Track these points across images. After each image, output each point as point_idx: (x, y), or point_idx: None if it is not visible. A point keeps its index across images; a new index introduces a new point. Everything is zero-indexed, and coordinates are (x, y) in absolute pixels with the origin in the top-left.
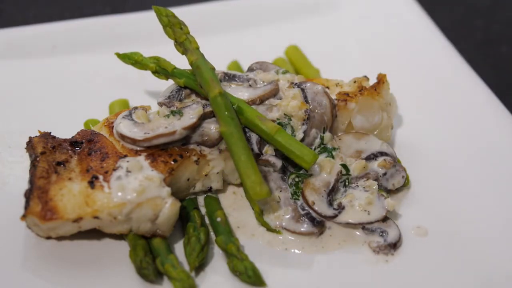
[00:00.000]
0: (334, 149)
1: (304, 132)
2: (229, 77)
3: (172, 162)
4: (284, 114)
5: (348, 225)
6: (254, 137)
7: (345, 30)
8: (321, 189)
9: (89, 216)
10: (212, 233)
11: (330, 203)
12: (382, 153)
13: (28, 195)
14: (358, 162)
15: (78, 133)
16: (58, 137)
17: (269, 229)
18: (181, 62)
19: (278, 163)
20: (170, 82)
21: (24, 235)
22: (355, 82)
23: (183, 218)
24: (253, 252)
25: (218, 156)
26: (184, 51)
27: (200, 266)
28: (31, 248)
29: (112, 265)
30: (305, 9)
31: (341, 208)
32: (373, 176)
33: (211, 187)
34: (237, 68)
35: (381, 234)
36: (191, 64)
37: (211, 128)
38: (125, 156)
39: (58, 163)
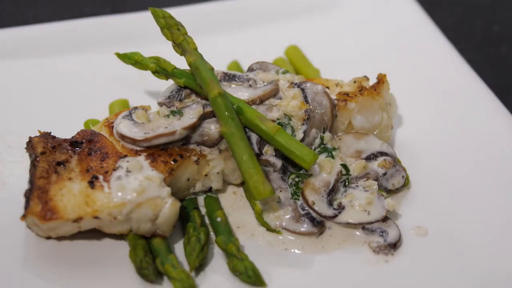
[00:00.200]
0: (334, 149)
1: (304, 132)
2: (229, 77)
3: (172, 162)
4: (284, 114)
5: (348, 225)
6: (254, 137)
7: (345, 30)
8: (321, 189)
9: (89, 216)
10: (212, 233)
11: (330, 203)
12: (382, 153)
13: (28, 195)
14: (358, 162)
15: (78, 133)
16: (58, 137)
17: (269, 229)
18: (181, 62)
19: (278, 163)
20: (170, 82)
21: (24, 235)
22: (355, 82)
23: (183, 218)
24: (253, 252)
25: (218, 156)
26: (182, 52)
27: (200, 266)
28: (31, 248)
29: (112, 265)
30: (305, 9)
31: (341, 208)
32: (373, 176)
33: (211, 187)
34: (237, 68)
35: (381, 234)
36: (189, 65)
37: (211, 128)
38: (125, 156)
39: (58, 163)
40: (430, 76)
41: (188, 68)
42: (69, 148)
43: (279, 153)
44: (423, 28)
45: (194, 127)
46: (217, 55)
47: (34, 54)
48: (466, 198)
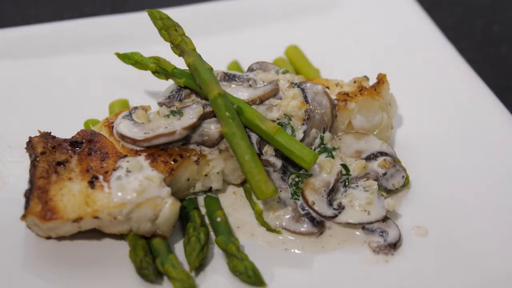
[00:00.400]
0: (334, 149)
1: (304, 132)
2: (229, 77)
3: (172, 162)
4: (284, 114)
5: (348, 225)
6: (254, 137)
7: (345, 30)
8: (321, 189)
9: (89, 216)
10: (212, 233)
11: (330, 203)
12: (382, 153)
13: (28, 195)
14: (358, 162)
15: (78, 133)
16: (58, 137)
17: (269, 229)
18: (181, 62)
19: (278, 163)
20: (170, 82)
21: (24, 235)
22: (355, 82)
23: (183, 218)
24: (253, 252)
25: (218, 156)
26: (181, 53)
27: (200, 266)
28: (31, 248)
29: (112, 265)
30: (305, 9)
31: (341, 208)
32: (373, 176)
33: (211, 187)
34: (237, 68)
35: (381, 234)
36: (188, 66)
37: (211, 128)
38: (125, 156)
39: (58, 163)
40: (430, 76)
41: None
42: (69, 148)
43: (279, 153)
44: (423, 28)
45: (194, 127)
46: (217, 55)
47: (34, 54)
48: (466, 198)
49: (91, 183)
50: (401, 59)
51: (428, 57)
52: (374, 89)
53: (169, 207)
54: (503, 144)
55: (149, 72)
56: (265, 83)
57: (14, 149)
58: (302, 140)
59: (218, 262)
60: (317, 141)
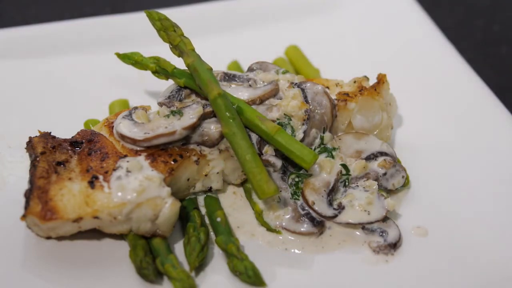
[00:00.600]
0: (334, 149)
1: (304, 132)
2: (229, 77)
3: (172, 162)
4: (284, 114)
5: (348, 225)
6: (254, 137)
7: (345, 30)
8: (321, 189)
9: (89, 216)
10: (212, 233)
11: (330, 203)
12: (382, 153)
13: (28, 195)
14: (358, 162)
15: (78, 133)
16: (58, 137)
17: (269, 229)
18: (181, 62)
19: (278, 163)
20: (170, 82)
21: (24, 235)
22: (355, 82)
23: (183, 218)
24: (253, 252)
25: (218, 156)
26: (180, 54)
27: (200, 266)
28: (31, 248)
29: (112, 265)
30: (305, 9)
31: (341, 208)
32: (373, 176)
33: (211, 187)
34: (237, 68)
35: (381, 234)
36: (187, 66)
37: (211, 128)
38: (125, 156)
39: (58, 163)
40: (430, 76)
41: None
42: (69, 148)
43: (279, 153)
44: (423, 28)
45: (194, 127)
46: (217, 55)
47: (34, 54)
48: (466, 198)
49: (91, 183)
50: (401, 59)
51: (428, 57)
52: (374, 89)
53: (169, 207)
54: (503, 144)
55: (149, 72)
56: (265, 83)
57: (14, 149)
58: (302, 140)
59: (218, 262)
60: (317, 141)
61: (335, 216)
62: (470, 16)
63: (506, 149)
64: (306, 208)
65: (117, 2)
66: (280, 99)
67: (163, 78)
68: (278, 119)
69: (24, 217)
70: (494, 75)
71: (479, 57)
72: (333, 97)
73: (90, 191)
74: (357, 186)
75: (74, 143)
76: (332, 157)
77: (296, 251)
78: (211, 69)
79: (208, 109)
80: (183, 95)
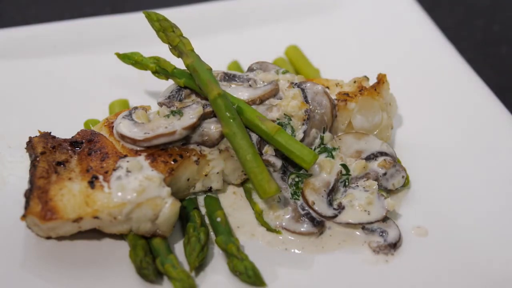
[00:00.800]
0: (334, 149)
1: (304, 132)
2: (229, 77)
3: (172, 162)
4: (284, 114)
5: (348, 225)
6: (254, 137)
7: (345, 30)
8: (321, 189)
9: (89, 216)
10: (212, 233)
11: (330, 203)
12: (382, 153)
13: (28, 195)
14: (358, 162)
15: (78, 133)
16: (58, 137)
17: (269, 229)
18: (181, 62)
19: (278, 163)
20: (170, 82)
21: (24, 235)
22: (355, 82)
23: (183, 218)
24: (253, 252)
25: (218, 156)
26: (179, 54)
27: (200, 266)
28: (31, 248)
29: (112, 265)
30: (305, 9)
31: (341, 208)
32: (373, 176)
33: (211, 187)
34: (237, 68)
35: (381, 234)
36: (187, 67)
37: (211, 128)
38: (125, 156)
39: (58, 163)
40: (430, 76)
41: None
42: (69, 148)
43: (279, 153)
44: (423, 28)
45: (194, 127)
46: (217, 55)
47: (34, 54)
48: (466, 198)
49: (91, 183)
50: (401, 59)
51: (428, 57)
52: (374, 89)
53: (169, 207)
54: (503, 144)
55: (149, 72)
56: (265, 83)
57: (14, 149)
58: (302, 140)
59: (218, 262)
60: (317, 141)
61: (335, 216)
62: (470, 16)
63: (506, 149)
64: (306, 208)
65: (117, 2)
66: (280, 99)
67: (163, 78)
68: (278, 119)
69: (24, 217)
70: (494, 75)
71: (479, 57)
72: (333, 97)
73: (90, 191)
74: (357, 186)
75: (74, 143)
76: (332, 157)
77: (296, 251)
78: (210, 69)
79: (208, 109)
80: (183, 95)
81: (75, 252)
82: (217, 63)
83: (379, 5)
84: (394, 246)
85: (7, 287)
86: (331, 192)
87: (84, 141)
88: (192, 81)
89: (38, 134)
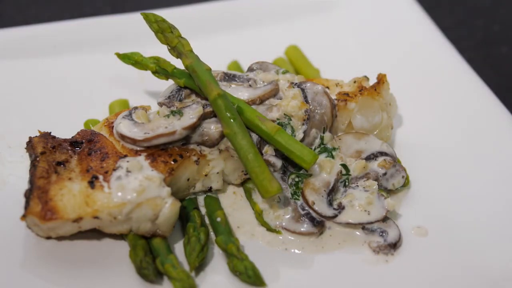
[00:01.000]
0: (334, 149)
1: (304, 132)
2: (229, 77)
3: (172, 162)
4: (284, 114)
5: (348, 225)
6: (254, 137)
7: (345, 30)
8: (321, 189)
9: (89, 216)
10: (212, 233)
11: (330, 203)
12: (382, 153)
13: (28, 195)
14: (358, 162)
15: (78, 133)
16: (58, 137)
17: (269, 229)
18: (181, 62)
19: (278, 163)
20: (170, 82)
21: (24, 235)
22: (355, 82)
23: (183, 218)
24: (253, 252)
25: (218, 156)
26: (178, 55)
27: (200, 266)
28: (31, 248)
29: (112, 265)
30: (305, 9)
31: (341, 208)
32: (373, 176)
33: (211, 187)
34: (237, 68)
35: (381, 234)
36: (186, 67)
37: (211, 128)
38: (125, 156)
39: (58, 163)
40: (430, 76)
41: None
42: (69, 148)
43: (279, 153)
44: (423, 28)
45: (194, 127)
46: (217, 55)
47: (34, 54)
48: (466, 198)
49: (91, 183)
50: (401, 59)
51: (428, 57)
52: (374, 89)
53: (169, 207)
54: (503, 144)
55: (149, 72)
56: (265, 83)
57: (14, 149)
58: (302, 140)
59: (218, 262)
60: (317, 141)
61: (335, 216)
62: (470, 16)
63: (506, 149)
64: (306, 208)
65: (117, 2)
66: (280, 99)
67: (163, 78)
68: (278, 119)
69: (24, 217)
70: (494, 75)
71: (479, 57)
72: (333, 97)
73: (90, 191)
74: (357, 186)
75: (74, 143)
76: (332, 157)
77: (296, 251)
78: (210, 69)
79: (208, 109)
80: (183, 95)
81: (75, 252)
82: (217, 63)
83: (379, 5)
84: (394, 246)
85: (7, 287)
86: (331, 192)
87: (84, 141)
88: (192, 81)
89: (38, 134)
